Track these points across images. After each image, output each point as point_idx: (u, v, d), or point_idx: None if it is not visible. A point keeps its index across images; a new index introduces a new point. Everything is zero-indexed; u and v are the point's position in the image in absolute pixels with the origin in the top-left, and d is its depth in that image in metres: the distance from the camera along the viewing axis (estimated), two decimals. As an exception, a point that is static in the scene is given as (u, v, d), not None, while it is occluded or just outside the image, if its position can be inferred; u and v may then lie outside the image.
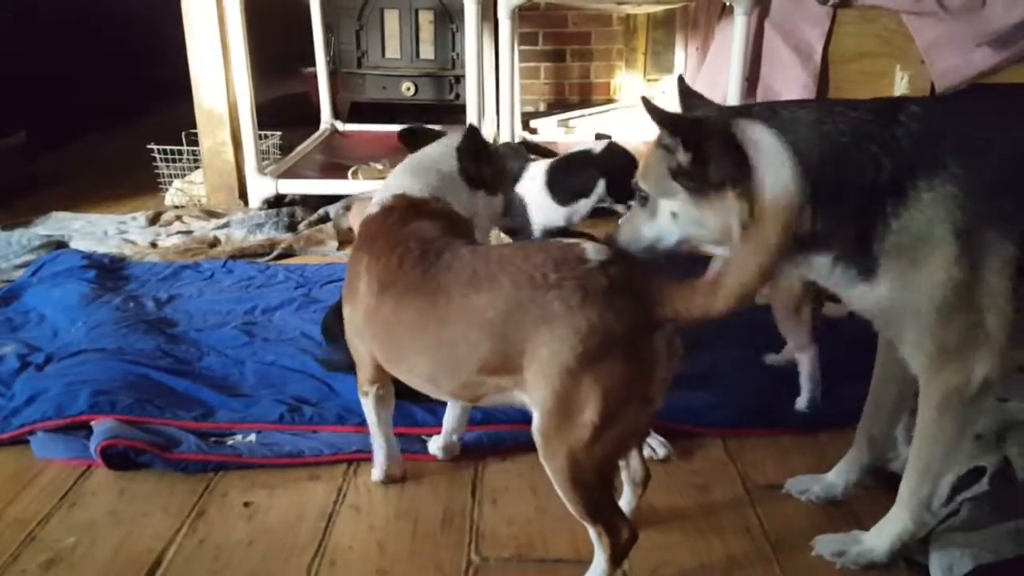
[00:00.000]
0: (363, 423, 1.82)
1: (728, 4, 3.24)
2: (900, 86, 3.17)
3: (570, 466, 1.28)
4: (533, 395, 1.30)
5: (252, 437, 1.85)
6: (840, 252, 1.34)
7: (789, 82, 3.31)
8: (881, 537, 1.47)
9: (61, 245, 3.16)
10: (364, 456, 1.77)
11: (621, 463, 1.49)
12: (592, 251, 1.29)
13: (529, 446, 1.81)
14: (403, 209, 1.55)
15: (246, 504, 1.66)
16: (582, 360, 1.22)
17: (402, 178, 1.63)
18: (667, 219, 1.42)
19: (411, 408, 1.90)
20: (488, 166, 1.68)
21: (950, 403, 1.34)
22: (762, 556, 1.51)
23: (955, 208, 1.26)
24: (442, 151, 1.68)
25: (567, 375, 1.23)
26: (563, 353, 1.23)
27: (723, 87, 3.30)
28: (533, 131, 4.71)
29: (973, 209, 1.26)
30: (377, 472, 1.72)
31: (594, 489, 1.30)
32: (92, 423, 1.84)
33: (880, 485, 1.67)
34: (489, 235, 1.94)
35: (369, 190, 3.07)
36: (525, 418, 1.88)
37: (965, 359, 1.31)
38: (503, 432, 1.86)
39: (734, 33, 3.12)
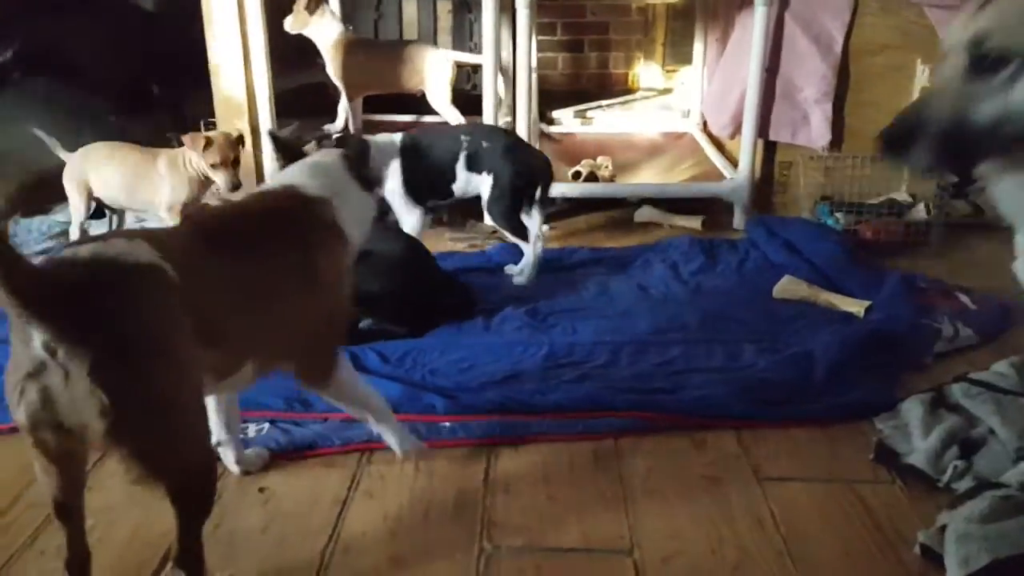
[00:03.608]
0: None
1: (748, -5, 3.22)
2: (921, 79, 3.14)
3: None
4: None
5: (265, 427, 1.87)
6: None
7: (809, 74, 3.28)
8: None
9: (81, 232, 3.18)
10: (375, 445, 1.78)
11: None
12: None
13: (541, 436, 1.84)
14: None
15: (261, 490, 1.68)
16: None
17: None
18: None
19: (430, 396, 1.92)
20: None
21: None
22: (774, 548, 1.51)
23: None
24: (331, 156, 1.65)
25: None
26: None
27: (742, 78, 3.28)
28: (551, 121, 4.68)
29: None
30: None
31: None
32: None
33: (894, 478, 1.66)
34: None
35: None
36: (538, 407, 1.91)
37: None
38: (516, 421, 1.87)
39: (754, 24, 3.10)
